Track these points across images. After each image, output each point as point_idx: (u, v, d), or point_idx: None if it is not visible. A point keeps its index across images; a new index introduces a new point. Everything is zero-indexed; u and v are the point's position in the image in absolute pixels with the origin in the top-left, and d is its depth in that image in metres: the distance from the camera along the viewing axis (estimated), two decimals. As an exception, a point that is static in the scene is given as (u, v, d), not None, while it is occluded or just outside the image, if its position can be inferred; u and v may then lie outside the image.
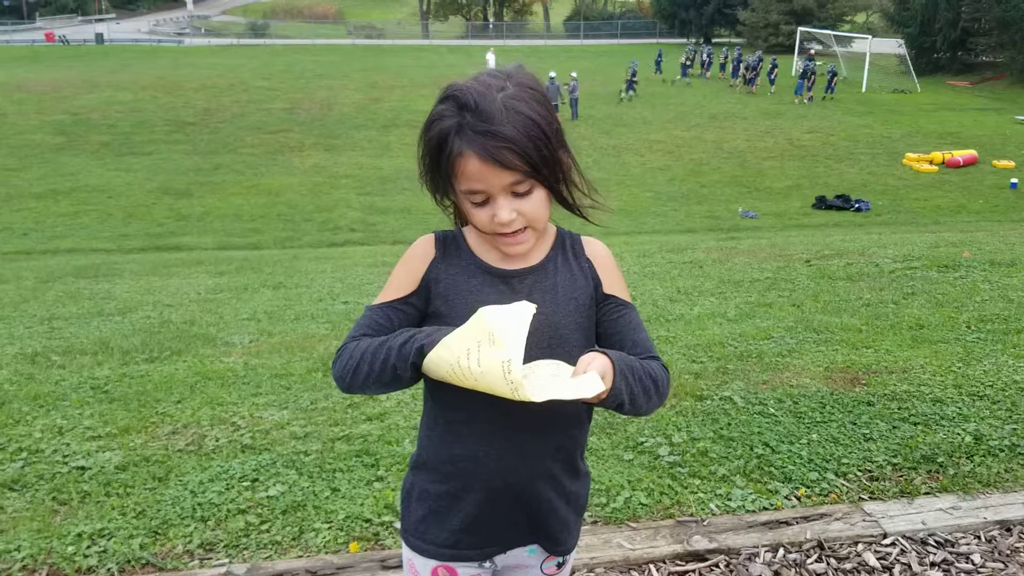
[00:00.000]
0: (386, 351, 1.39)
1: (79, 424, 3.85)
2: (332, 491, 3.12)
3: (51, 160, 22.40)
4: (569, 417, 1.54)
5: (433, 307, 1.50)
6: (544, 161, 1.39)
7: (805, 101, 32.29)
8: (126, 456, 3.45)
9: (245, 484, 3.18)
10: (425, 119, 1.43)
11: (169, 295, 7.69)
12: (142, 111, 28.54)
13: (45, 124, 26.29)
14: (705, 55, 41.95)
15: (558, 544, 1.60)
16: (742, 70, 36.02)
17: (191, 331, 5.87)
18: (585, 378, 1.32)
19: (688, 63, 39.18)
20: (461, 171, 1.38)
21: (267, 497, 3.07)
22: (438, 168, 1.42)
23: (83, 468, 3.35)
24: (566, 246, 1.56)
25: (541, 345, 1.45)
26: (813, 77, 33.06)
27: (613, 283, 1.57)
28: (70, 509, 3.03)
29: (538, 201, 1.43)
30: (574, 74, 30.19)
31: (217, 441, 3.62)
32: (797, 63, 34.95)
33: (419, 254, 1.53)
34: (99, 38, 52.64)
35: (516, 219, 1.41)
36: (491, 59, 35.77)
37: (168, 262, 11.23)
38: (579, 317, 1.52)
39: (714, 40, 56.13)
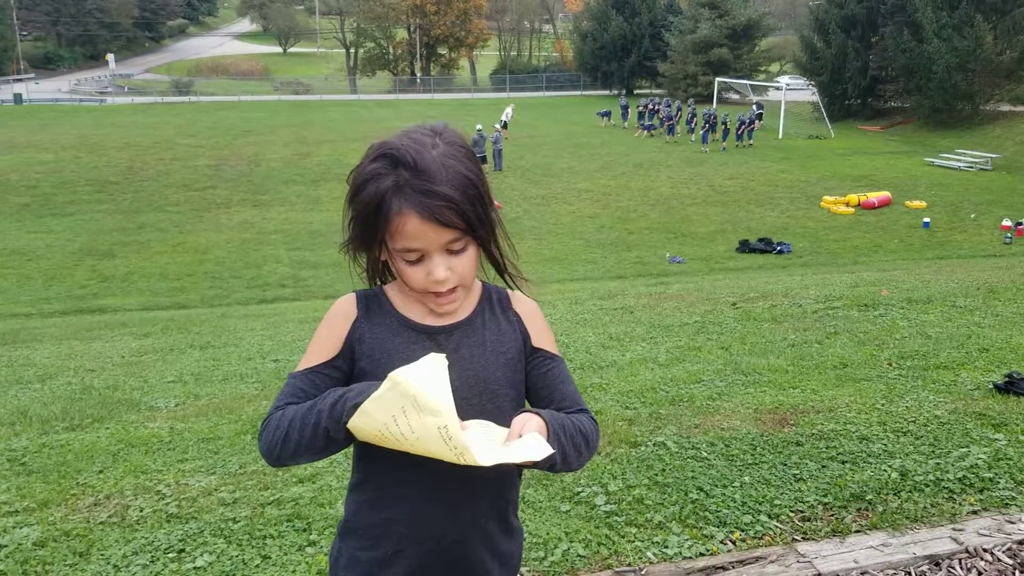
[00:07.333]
0: (316, 415, 1.35)
1: (-6, 500, 3.68)
2: (263, 559, 3.03)
3: (-34, 224, 21.67)
4: (501, 474, 1.51)
5: (358, 368, 1.46)
6: (479, 219, 1.39)
7: (716, 149, 33.12)
8: (45, 531, 3.30)
9: (171, 556, 3.07)
10: (353, 180, 1.41)
11: (91, 359, 7.45)
12: (63, 171, 27.85)
13: (-40, 187, 25.48)
14: (623, 106, 41.76)
15: None
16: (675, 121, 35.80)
17: (114, 396, 5.69)
18: (531, 441, 1.30)
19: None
20: (398, 230, 1.36)
21: (194, 568, 2.97)
22: (371, 228, 1.39)
23: (-2, 546, 3.20)
24: (492, 300, 1.55)
25: (472, 402, 1.43)
26: (722, 126, 34.09)
27: (541, 336, 1.56)
28: (-17, 591, 2.88)
29: (470, 258, 1.43)
30: (497, 126, 30.56)
31: (141, 511, 3.49)
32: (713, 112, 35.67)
33: (340, 315, 1.50)
34: (18, 98, 51.44)
35: (450, 277, 1.40)
36: (510, 112, 35.63)
37: (91, 325, 10.91)
38: (509, 372, 1.50)
39: (636, 91, 57.50)
